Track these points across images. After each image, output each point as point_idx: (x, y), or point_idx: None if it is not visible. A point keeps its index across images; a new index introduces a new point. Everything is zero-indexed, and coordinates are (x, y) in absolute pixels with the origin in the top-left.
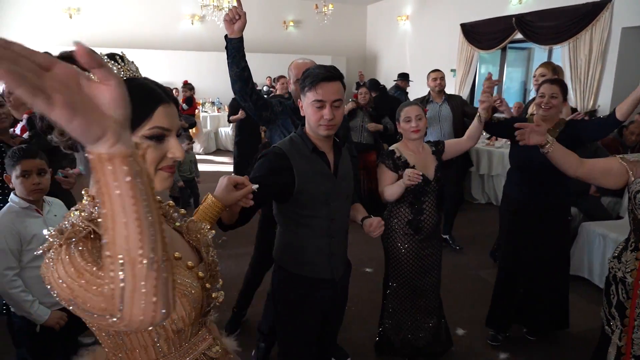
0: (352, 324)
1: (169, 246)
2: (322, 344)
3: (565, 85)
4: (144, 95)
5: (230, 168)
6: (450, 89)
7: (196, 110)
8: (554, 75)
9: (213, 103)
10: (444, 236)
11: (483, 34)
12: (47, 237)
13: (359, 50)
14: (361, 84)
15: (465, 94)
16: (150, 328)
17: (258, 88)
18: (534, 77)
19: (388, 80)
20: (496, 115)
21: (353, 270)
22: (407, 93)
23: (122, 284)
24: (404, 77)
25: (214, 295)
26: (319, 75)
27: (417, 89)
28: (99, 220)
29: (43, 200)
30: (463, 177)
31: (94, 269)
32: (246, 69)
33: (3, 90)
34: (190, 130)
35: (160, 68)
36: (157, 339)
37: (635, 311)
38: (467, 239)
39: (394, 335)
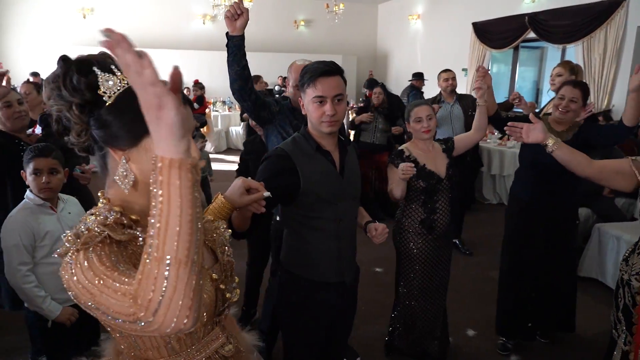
0: (361, 324)
1: None
2: (333, 348)
3: (587, 90)
4: None
5: None
6: (461, 89)
7: (207, 110)
8: (571, 76)
9: (224, 102)
10: (454, 240)
11: (495, 33)
12: (63, 240)
13: (370, 49)
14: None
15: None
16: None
17: (269, 87)
18: (551, 76)
19: (399, 79)
20: (515, 109)
21: (363, 270)
22: (422, 92)
23: (164, 285)
24: (419, 77)
25: (227, 295)
26: (318, 70)
27: (429, 89)
28: (114, 224)
29: (58, 197)
30: (471, 178)
31: (115, 274)
32: (246, 67)
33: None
34: (201, 129)
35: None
36: (169, 339)
37: None
38: (478, 240)
39: (404, 336)
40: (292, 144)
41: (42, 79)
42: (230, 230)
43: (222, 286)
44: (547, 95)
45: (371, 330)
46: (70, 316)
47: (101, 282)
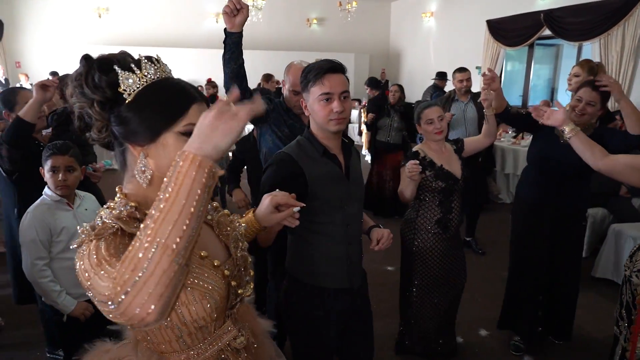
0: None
1: (198, 243)
2: (355, 356)
3: (607, 94)
4: (179, 94)
5: None
6: (475, 87)
7: None
8: (589, 77)
9: None
10: (467, 239)
11: (509, 31)
12: (79, 232)
13: (383, 47)
14: (382, 82)
15: None
16: (148, 326)
17: (279, 86)
18: (569, 76)
19: (412, 78)
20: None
21: (374, 269)
22: (445, 92)
23: (145, 266)
24: (441, 77)
25: (240, 291)
26: (324, 67)
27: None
28: (128, 218)
29: (75, 194)
30: (484, 178)
31: (114, 260)
32: (243, 66)
33: None
34: None
35: (185, 66)
36: (180, 334)
37: None
38: (491, 239)
39: (416, 335)
40: (296, 148)
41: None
42: (244, 225)
43: (233, 283)
44: (566, 94)
45: (381, 328)
46: (84, 310)
47: (99, 266)
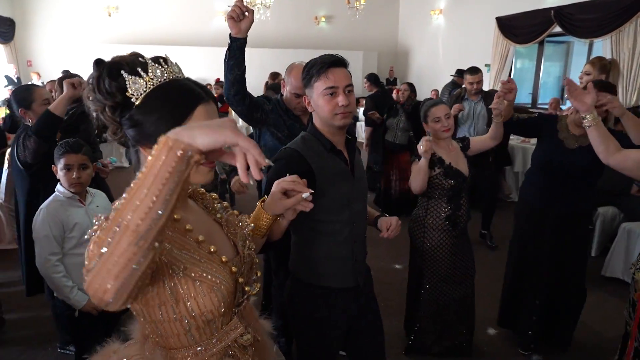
0: None
1: (207, 240)
2: (364, 355)
3: (614, 93)
4: (184, 95)
5: None
6: (484, 85)
7: (229, 107)
8: (600, 75)
9: None
10: (483, 231)
11: (519, 28)
12: (95, 222)
13: (391, 45)
14: (391, 80)
15: None
16: (125, 308)
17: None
18: (580, 74)
19: (420, 75)
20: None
21: (381, 267)
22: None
23: (106, 245)
24: (460, 74)
25: (247, 288)
26: (327, 61)
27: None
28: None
29: (87, 191)
30: (497, 175)
31: None
32: (245, 71)
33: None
34: None
35: (194, 64)
36: (189, 328)
37: None
38: (501, 238)
39: (430, 332)
40: (302, 144)
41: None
42: (252, 225)
43: (240, 279)
44: None
45: (389, 327)
46: (95, 305)
47: (99, 246)
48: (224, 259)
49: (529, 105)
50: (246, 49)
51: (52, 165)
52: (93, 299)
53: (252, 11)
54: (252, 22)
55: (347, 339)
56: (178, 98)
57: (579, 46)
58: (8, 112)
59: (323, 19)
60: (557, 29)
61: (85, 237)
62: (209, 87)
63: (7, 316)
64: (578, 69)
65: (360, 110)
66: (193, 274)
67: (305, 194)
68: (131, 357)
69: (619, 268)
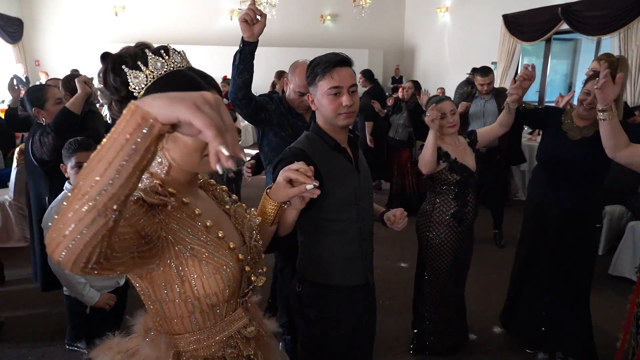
0: (385, 318)
1: (215, 225)
2: (356, 352)
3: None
4: (183, 87)
5: None
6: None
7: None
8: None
9: None
10: (495, 230)
11: (526, 25)
12: None
13: (397, 43)
14: (397, 78)
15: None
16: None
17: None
18: (586, 71)
19: (426, 73)
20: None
21: (387, 265)
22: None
23: (63, 206)
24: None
25: (253, 278)
26: (332, 60)
27: (456, 84)
28: (149, 190)
29: None
30: (505, 173)
31: None
32: (252, 75)
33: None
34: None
35: (200, 63)
36: (193, 310)
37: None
38: (508, 237)
39: (435, 331)
40: (307, 142)
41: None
42: (260, 218)
43: (247, 268)
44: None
45: (395, 325)
46: (108, 300)
47: None
48: (231, 245)
49: (536, 103)
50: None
51: (61, 164)
52: (48, 252)
53: (265, 15)
54: (265, 26)
55: (352, 337)
56: (177, 90)
57: (587, 43)
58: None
59: (329, 18)
60: (565, 26)
61: None
62: None
63: (16, 313)
64: (585, 67)
65: None
66: (200, 255)
67: (309, 186)
68: (132, 348)
69: (625, 267)
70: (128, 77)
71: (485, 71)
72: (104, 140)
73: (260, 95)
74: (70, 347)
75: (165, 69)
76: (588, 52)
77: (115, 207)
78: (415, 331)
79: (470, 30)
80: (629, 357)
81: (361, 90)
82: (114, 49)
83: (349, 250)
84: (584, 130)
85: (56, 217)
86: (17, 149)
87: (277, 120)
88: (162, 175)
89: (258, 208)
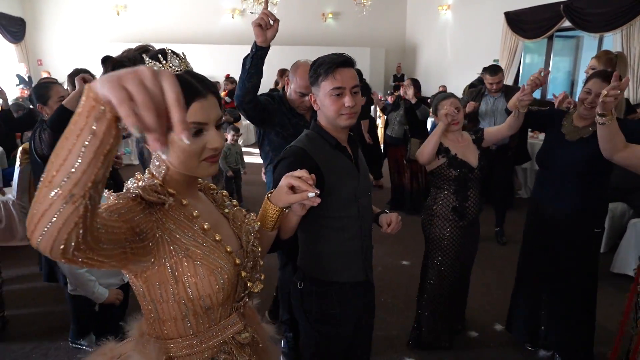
0: (387, 316)
1: (213, 229)
2: (356, 350)
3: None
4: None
5: None
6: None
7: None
8: (606, 69)
9: None
10: (496, 229)
11: (528, 23)
12: (106, 196)
13: (399, 41)
14: (399, 76)
15: None
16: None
17: None
18: (586, 69)
19: (428, 71)
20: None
21: (389, 263)
22: None
23: (37, 190)
24: None
25: (249, 284)
26: (336, 61)
27: (458, 82)
28: (148, 188)
29: None
30: (512, 171)
31: (111, 207)
32: (261, 79)
33: None
34: (235, 123)
35: (202, 62)
36: (186, 312)
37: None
38: (510, 234)
39: (432, 325)
40: (307, 141)
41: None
42: (259, 223)
43: (243, 273)
44: None
45: (396, 322)
46: (117, 296)
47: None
48: (228, 249)
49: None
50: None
51: None
52: (27, 235)
53: (278, 21)
54: (277, 31)
55: (354, 334)
56: None
57: (589, 41)
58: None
59: (330, 16)
60: (567, 23)
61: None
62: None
63: (20, 311)
64: (588, 64)
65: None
66: (194, 256)
67: (311, 194)
68: (123, 355)
69: (627, 264)
70: None
71: (495, 70)
72: (67, 128)
73: (261, 95)
74: (74, 345)
75: None
76: (590, 50)
77: (82, 193)
78: (414, 325)
79: (472, 28)
80: (629, 345)
81: None
82: (116, 49)
83: (350, 248)
84: (582, 131)
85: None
86: (20, 148)
87: (279, 120)
88: (160, 178)
89: (259, 212)
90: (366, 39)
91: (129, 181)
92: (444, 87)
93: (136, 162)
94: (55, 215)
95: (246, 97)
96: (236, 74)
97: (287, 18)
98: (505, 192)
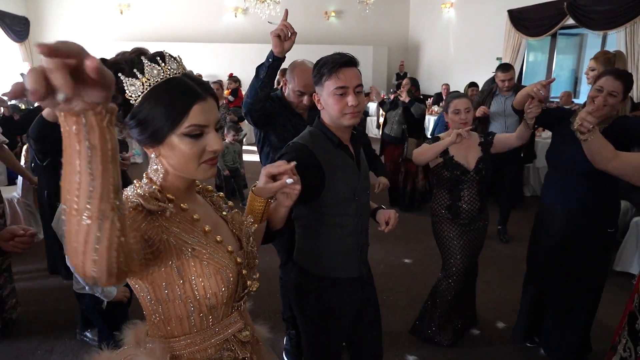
0: (389, 313)
1: (213, 230)
2: (365, 348)
3: (630, 81)
4: (180, 96)
5: None
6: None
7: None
8: (605, 69)
9: None
10: (499, 227)
11: (532, 20)
12: None
13: (401, 40)
14: (401, 74)
15: None
16: (117, 284)
17: None
18: (586, 70)
19: (431, 70)
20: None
21: (391, 262)
22: None
23: (66, 232)
24: None
25: (249, 283)
26: (339, 60)
27: (461, 80)
28: (149, 196)
29: None
30: (521, 172)
31: None
32: (273, 88)
33: None
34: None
35: (205, 61)
36: (192, 311)
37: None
38: (513, 232)
39: (431, 319)
40: (310, 138)
41: None
42: (256, 225)
43: (244, 271)
44: (589, 87)
45: (399, 319)
46: (124, 293)
47: None
48: (229, 249)
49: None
50: (257, 45)
51: None
52: (78, 273)
53: (296, 33)
54: (294, 43)
55: (352, 330)
56: (173, 98)
57: (593, 38)
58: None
59: (333, 14)
60: (570, 21)
61: None
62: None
63: (25, 308)
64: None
65: (370, 105)
66: (201, 255)
67: (289, 180)
68: (127, 357)
69: (630, 262)
70: (125, 84)
71: (506, 67)
72: (63, 158)
73: None
74: (81, 337)
75: (161, 77)
76: (594, 47)
77: (110, 206)
78: (416, 322)
79: (475, 26)
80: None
81: None
82: (119, 47)
83: (346, 244)
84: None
85: (65, 244)
86: (25, 146)
87: (280, 122)
88: (158, 182)
89: (246, 206)
90: (369, 37)
91: (128, 189)
92: (447, 85)
93: (140, 160)
94: (98, 239)
95: (257, 104)
96: (239, 73)
97: (290, 16)
98: (511, 191)
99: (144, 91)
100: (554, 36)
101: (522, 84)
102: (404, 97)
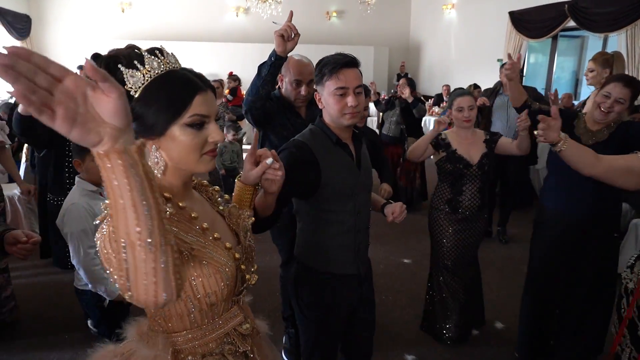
0: (388, 313)
1: (211, 227)
2: (357, 346)
3: (638, 89)
4: (182, 86)
5: None
6: (495, 80)
7: (242, 101)
8: (604, 70)
9: None
10: (498, 227)
11: (533, 22)
12: (102, 208)
13: (403, 40)
14: (402, 75)
15: None
16: (176, 301)
17: None
18: (585, 71)
19: (432, 71)
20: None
21: (390, 261)
22: None
23: (126, 265)
24: None
25: (247, 277)
26: (340, 61)
27: (462, 81)
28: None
29: None
30: (527, 172)
31: None
32: (274, 87)
33: None
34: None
35: (206, 59)
36: (192, 309)
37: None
38: (512, 234)
39: (432, 316)
40: (310, 136)
41: None
42: (253, 219)
43: (242, 266)
44: (589, 89)
45: (398, 318)
46: None
47: (114, 251)
48: (227, 245)
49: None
50: (258, 44)
51: (74, 160)
52: (147, 305)
53: (299, 35)
54: (296, 44)
55: (348, 325)
56: (176, 89)
57: (594, 41)
58: None
59: (334, 14)
60: (571, 23)
61: (96, 222)
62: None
63: (26, 305)
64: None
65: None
66: (200, 255)
67: (269, 160)
68: (129, 350)
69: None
70: (125, 76)
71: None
72: (110, 197)
73: None
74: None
75: (162, 69)
76: (595, 49)
77: (164, 230)
78: (423, 311)
79: (476, 27)
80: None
81: None
82: (121, 46)
83: (343, 241)
84: (597, 134)
85: (128, 283)
86: (26, 144)
87: (279, 121)
88: (159, 176)
89: (234, 195)
90: (370, 37)
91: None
92: (448, 86)
93: None
94: (163, 264)
95: (257, 102)
96: (240, 72)
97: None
98: (513, 192)
99: (144, 82)
100: (555, 38)
101: (523, 85)
102: (407, 96)
